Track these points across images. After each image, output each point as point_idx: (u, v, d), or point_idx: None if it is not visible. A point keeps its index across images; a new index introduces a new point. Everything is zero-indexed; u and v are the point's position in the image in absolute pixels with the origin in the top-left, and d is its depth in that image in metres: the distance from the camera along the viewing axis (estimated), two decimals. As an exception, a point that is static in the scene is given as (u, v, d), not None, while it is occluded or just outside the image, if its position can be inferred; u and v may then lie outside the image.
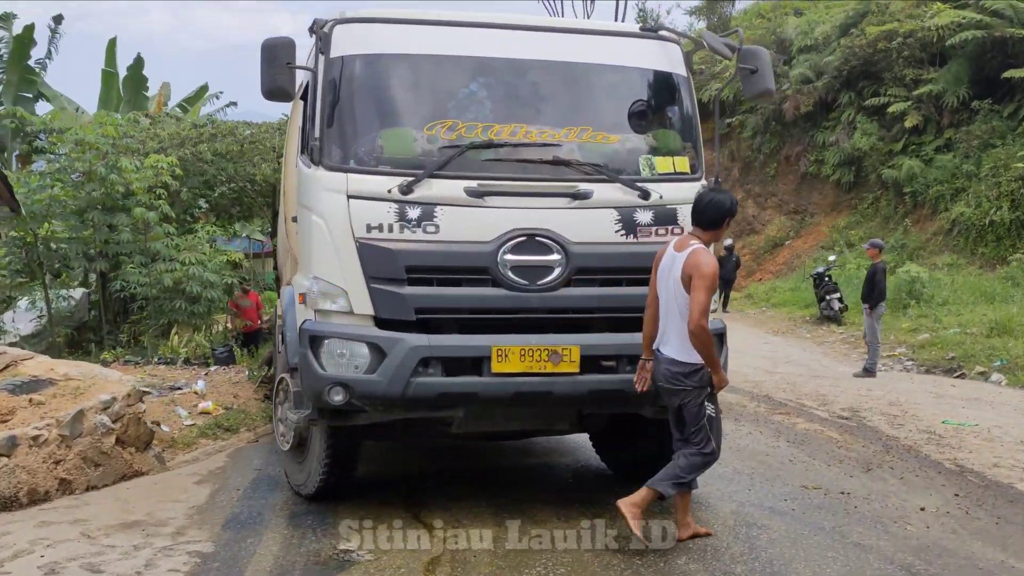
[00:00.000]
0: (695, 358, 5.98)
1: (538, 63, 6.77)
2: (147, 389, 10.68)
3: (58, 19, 29.08)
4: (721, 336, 6.88)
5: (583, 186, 6.51)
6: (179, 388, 11.75)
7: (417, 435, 7.36)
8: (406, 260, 6.25)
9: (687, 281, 5.90)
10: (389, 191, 6.25)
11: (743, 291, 28.52)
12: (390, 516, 6.81)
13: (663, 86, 7.02)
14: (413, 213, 6.28)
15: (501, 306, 6.40)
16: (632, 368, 6.52)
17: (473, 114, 6.66)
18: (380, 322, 6.30)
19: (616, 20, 44.15)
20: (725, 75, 33.60)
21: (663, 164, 6.84)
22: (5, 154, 27.43)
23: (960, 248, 23.94)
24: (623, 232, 6.58)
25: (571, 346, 6.41)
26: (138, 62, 27.86)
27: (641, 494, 6.12)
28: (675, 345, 6.06)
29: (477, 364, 6.33)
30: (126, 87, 28.55)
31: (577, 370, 6.42)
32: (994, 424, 10.61)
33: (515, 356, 6.32)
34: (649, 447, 7.58)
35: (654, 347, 6.23)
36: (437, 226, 6.30)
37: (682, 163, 6.90)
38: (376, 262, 6.23)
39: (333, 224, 6.29)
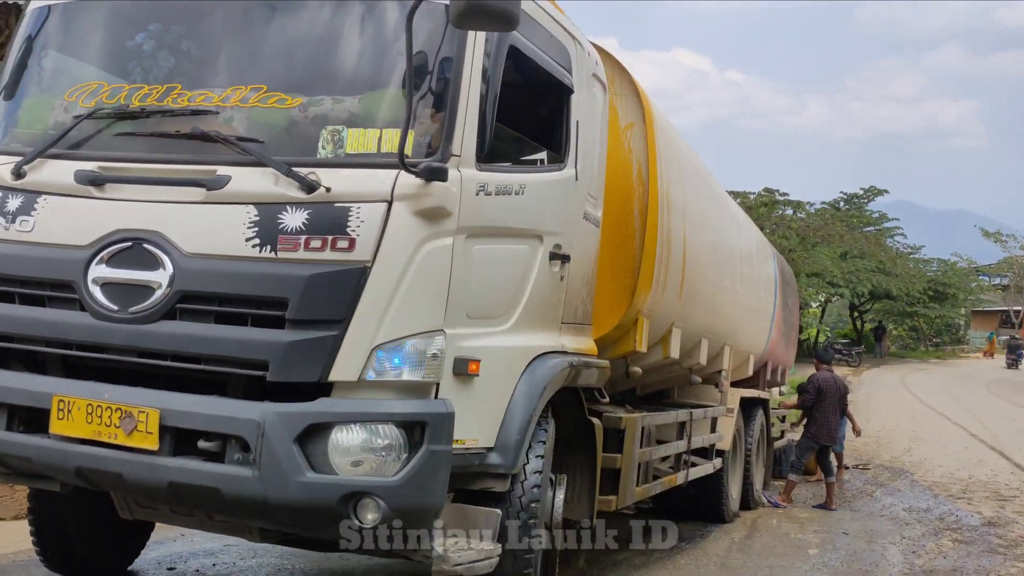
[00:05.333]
0: None
1: (222, 3, 4.71)
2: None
3: None
4: (422, 426, 4.09)
5: (223, 171, 4.29)
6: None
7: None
8: None
9: None
10: None
11: None
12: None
13: (396, 23, 4.41)
14: (13, 203, 4.69)
15: (80, 339, 4.46)
16: (246, 458, 4.08)
17: (141, 73, 4.81)
18: None
19: None
20: None
21: (360, 140, 4.30)
22: None
23: None
24: (257, 242, 4.21)
25: (149, 409, 4.20)
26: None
27: None
28: None
29: (45, 418, 4.45)
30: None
31: (155, 447, 4.19)
32: None
33: (80, 414, 4.34)
34: None
35: None
36: (33, 222, 4.60)
37: (395, 138, 4.22)
38: None
39: None
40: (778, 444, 13.50)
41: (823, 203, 46.81)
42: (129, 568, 6.20)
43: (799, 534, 9.80)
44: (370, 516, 4.03)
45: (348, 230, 4.11)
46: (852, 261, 37.98)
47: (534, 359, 4.93)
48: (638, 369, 6.80)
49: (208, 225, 4.29)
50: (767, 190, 28.83)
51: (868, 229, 46.80)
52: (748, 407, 11.08)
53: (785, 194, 28.56)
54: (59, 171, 4.59)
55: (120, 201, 4.46)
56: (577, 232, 5.40)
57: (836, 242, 30.54)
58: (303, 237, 4.14)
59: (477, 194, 4.40)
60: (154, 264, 4.31)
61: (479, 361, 4.43)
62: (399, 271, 4.12)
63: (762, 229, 17.45)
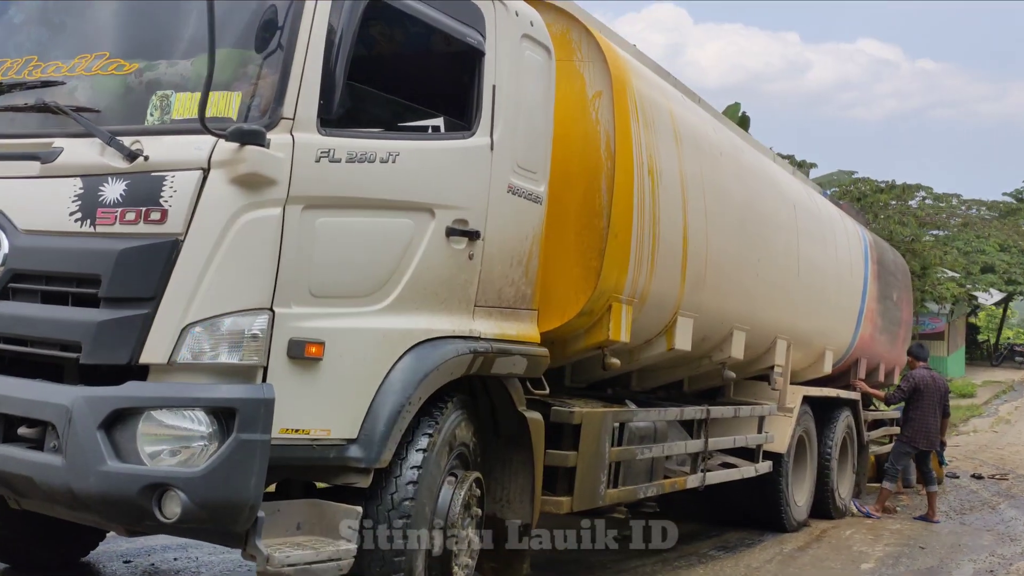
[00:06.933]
0: None
1: None
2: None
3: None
4: (233, 413, 3.75)
5: (59, 143, 4.12)
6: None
7: None
8: None
9: None
10: None
11: None
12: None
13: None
14: None
15: None
16: (60, 445, 3.86)
17: (14, 47, 4.70)
18: None
19: None
20: None
21: (187, 105, 4.03)
22: None
23: None
24: (79, 216, 3.99)
25: None
26: (743, 121, 26.01)
27: None
28: None
29: None
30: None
31: None
32: None
33: None
34: None
35: None
36: None
37: (224, 103, 3.95)
38: None
39: None
40: (884, 450, 12.47)
41: (1005, 195, 43.64)
42: (83, 560, 6.10)
43: (866, 547, 8.91)
44: (174, 510, 3.72)
45: (161, 201, 3.83)
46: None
47: (420, 343, 4.50)
48: (616, 361, 6.20)
49: (40, 200, 4.11)
50: (905, 184, 26.44)
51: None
52: (825, 408, 10.20)
53: (895, 182, 25.67)
54: None
55: None
56: (496, 207, 4.92)
57: (970, 231, 28.32)
58: (119, 210, 3.90)
59: (318, 161, 4.02)
60: None
61: (323, 344, 4.04)
62: (212, 244, 3.80)
63: (876, 217, 16.11)
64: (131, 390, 3.79)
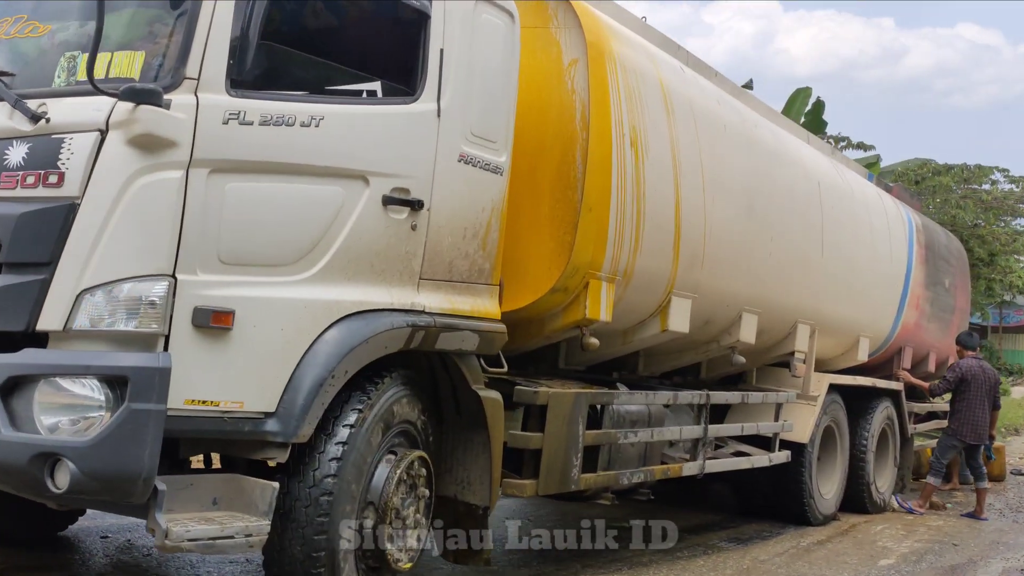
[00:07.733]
0: None
1: None
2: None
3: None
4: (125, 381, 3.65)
5: None
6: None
7: None
8: None
9: None
10: None
11: None
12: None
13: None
14: None
15: None
16: None
17: None
18: None
19: None
20: None
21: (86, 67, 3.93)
22: None
23: None
24: None
25: None
26: (817, 107, 25.23)
27: None
28: None
29: None
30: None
31: None
32: None
33: None
34: None
35: None
36: None
37: (128, 63, 3.86)
38: None
39: None
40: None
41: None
42: (61, 534, 6.11)
43: (893, 543, 8.48)
44: (64, 480, 3.63)
45: (59, 163, 3.75)
46: None
47: (350, 315, 4.33)
48: (594, 340, 5.93)
49: None
50: (964, 166, 24.71)
51: None
52: (861, 398, 9.75)
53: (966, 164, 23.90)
54: None
55: None
56: (445, 177, 4.72)
57: None
58: (21, 173, 3.83)
59: (226, 123, 3.88)
60: None
61: (232, 313, 3.91)
62: (108, 208, 3.70)
63: (934, 199, 15.39)
64: (24, 357, 3.71)
